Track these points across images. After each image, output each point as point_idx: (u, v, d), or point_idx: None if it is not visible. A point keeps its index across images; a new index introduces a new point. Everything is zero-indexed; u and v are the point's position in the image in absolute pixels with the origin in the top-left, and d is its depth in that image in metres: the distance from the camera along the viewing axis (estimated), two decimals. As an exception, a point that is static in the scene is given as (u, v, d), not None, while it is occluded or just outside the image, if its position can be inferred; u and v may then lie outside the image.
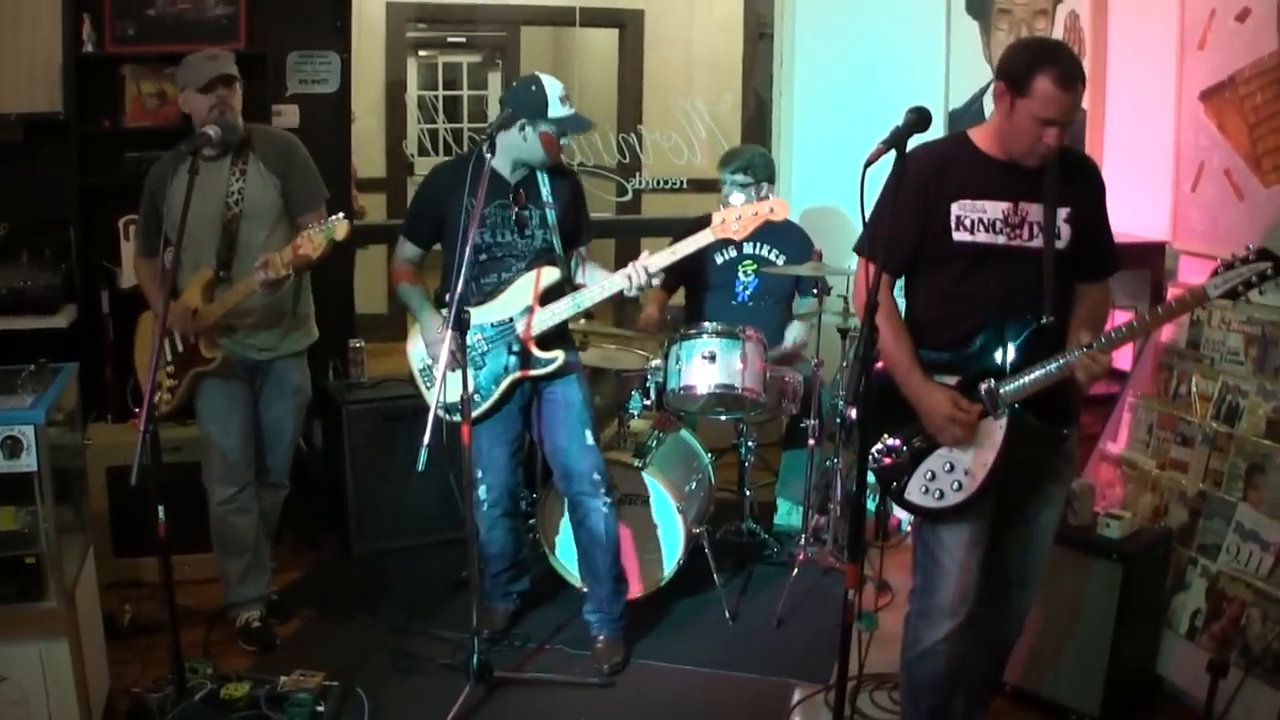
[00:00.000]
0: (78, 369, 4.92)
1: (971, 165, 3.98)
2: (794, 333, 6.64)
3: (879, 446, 4.01)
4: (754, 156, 6.68)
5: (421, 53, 11.92)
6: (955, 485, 3.97)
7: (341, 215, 5.03)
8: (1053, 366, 3.84)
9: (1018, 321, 3.93)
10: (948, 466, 3.98)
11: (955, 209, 3.94)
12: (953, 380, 3.98)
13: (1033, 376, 3.87)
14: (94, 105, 6.56)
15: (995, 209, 3.93)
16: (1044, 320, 3.91)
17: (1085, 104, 5.87)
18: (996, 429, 3.93)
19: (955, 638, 4.04)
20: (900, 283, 4.19)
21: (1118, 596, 4.68)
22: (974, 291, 3.98)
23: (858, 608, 3.54)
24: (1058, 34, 6.17)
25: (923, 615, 4.12)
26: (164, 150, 5.45)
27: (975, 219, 3.93)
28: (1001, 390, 3.91)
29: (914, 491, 4.04)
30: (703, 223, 5.17)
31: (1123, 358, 5.35)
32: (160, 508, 4.38)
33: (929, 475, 4.01)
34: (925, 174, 3.88)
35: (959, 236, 3.95)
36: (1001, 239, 3.93)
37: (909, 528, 5.96)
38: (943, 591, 4.04)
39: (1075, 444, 4.30)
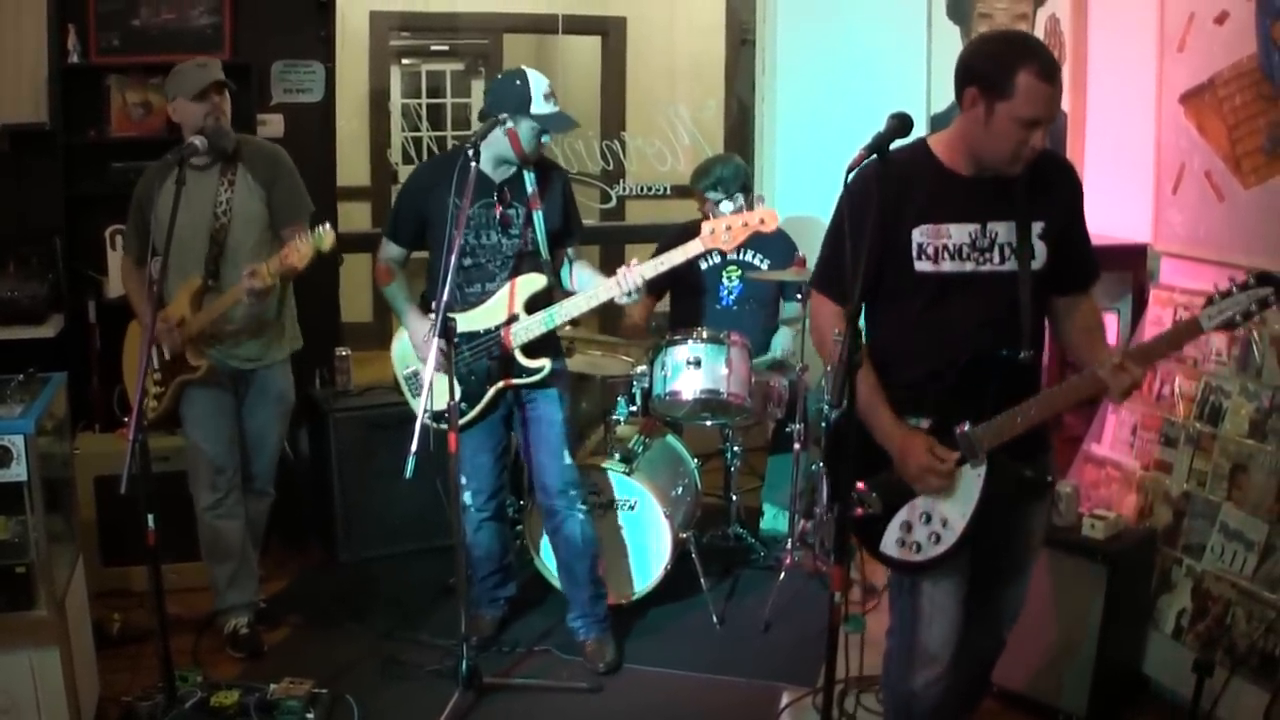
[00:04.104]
0: (66, 379, 4.93)
1: (933, 184, 3.67)
2: (782, 341, 6.65)
3: (839, 505, 3.51)
4: (723, 171, 6.67)
5: (405, 61, 11.93)
6: (933, 538, 3.72)
7: (328, 225, 5.05)
8: (1049, 399, 3.63)
9: (994, 357, 3.65)
10: (924, 517, 3.73)
11: (916, 235, 3.65)
12: (925, 422, 3.71)
13: (1014, 419, 3.61)
14: (80, 116, 6.57)
15: (961, 233, 3.64)
16: (1021, 355, 3.66)
17: (1066, 107, 5.92)
18: (975, 477, 3.68)
19: (940, 679, 3.86)
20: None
21: (1104, 597, 4.70)
22: (942, 323, 3.70)
23: (844, 611, 3.49)
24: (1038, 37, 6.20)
25: (903, 659, 3.93)
26: (149, 160, 5.46)
27: (939, 246, 3.65)
28: (979, 434, 3.65)
29: (890, 544, 3.79)
30: (691, 230, 5.17)
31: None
32: (150, 516, 4.39)
33: (905, 527, 3.76)
34: (882, 196, 3.44)
35: (921, 266, 3.66)
36: (969, 265, 3.66)
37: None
38: (923, 638, 3.84)
39: (1051, 498, 4.14)
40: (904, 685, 3.93)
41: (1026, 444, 3.69)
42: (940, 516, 3.71)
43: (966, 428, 3.65)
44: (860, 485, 3.67)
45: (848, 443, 3.55)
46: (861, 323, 3.56)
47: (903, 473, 3.70)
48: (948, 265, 3.66)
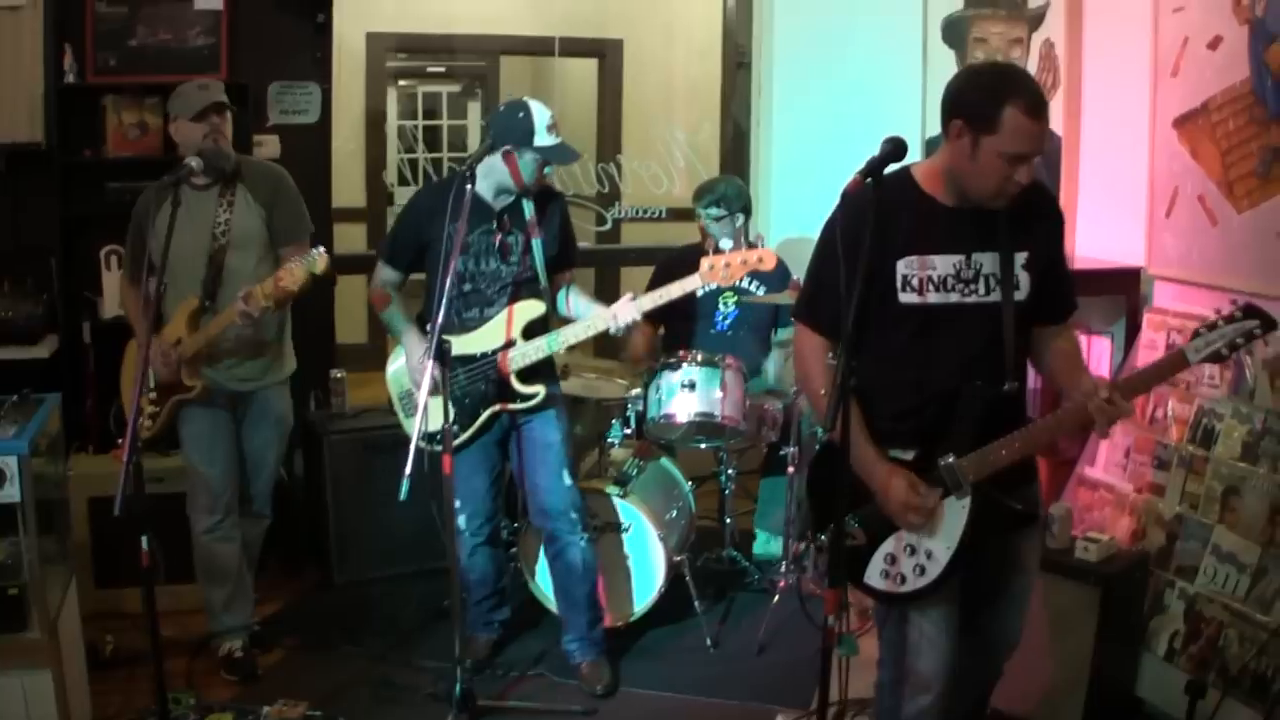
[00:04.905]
0: (60, 399, 4.93)
1: (917, 215, 3.66)
2: (774, 366, 6.65)
3: (833, 527, 3.56)
4: (727, 189, 6.68)
5: (401, 82, 11.93)
6: (918, 569, 3.72)
7: (322, 249, 5.05)
8: (1035, 433, 3.65)
9: (979, 388, 3.64)
10: (908, 549, 3.74)
11: (901, 267, 3.64)
12: (909, 454, 3.72)
13: (999, 450, 3.63)
14: (76, 135, 6.56)
15: (945, 264, 3.64)
16: (1006, 386, 3.65)
17: (1061, 131, 5.94)
18: (960, 509, 3.68)
19: (933, 709, 3.84)
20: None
21: (1097, 619, 4.71)
22: (927, 355, 3.69)
23: (838, 633, 3.52)
24: (1033, 63, 6.22)
25: (894, 689, 3.94)
26: (146, 180, 5.47)
27: (924, 278, 3.63)
28: (964, 465, 3.65)
29: (874, 575, 3.80)
30: (690, 254, 5.17)
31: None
32: (144, 537, 4.39)
33: (889, 559, 3.77)
34: (867, 228, 3.42)
35: (906, 298, 3.65)
36: (954, 297, 3.65)
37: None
38: (915, 666, 3.84)
39: (1041, 528, 4.15)
40: (896, 715, 3.93)
41: (1012, 476, 3.70)
42: (925, 549, 3.72)
43: (951, 460, 3.65)
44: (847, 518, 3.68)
45: (835, 470, 3.58)
46: None
47: (884, 508, 3.70)
48: (933, 297, 3.66)
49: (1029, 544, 4.00)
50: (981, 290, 3.65)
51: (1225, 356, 3.48)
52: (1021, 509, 3.80)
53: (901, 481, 3.67)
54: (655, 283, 5.44)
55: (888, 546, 3.77)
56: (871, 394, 3.70)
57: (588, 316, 5.24)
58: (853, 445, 3.58)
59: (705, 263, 5.07)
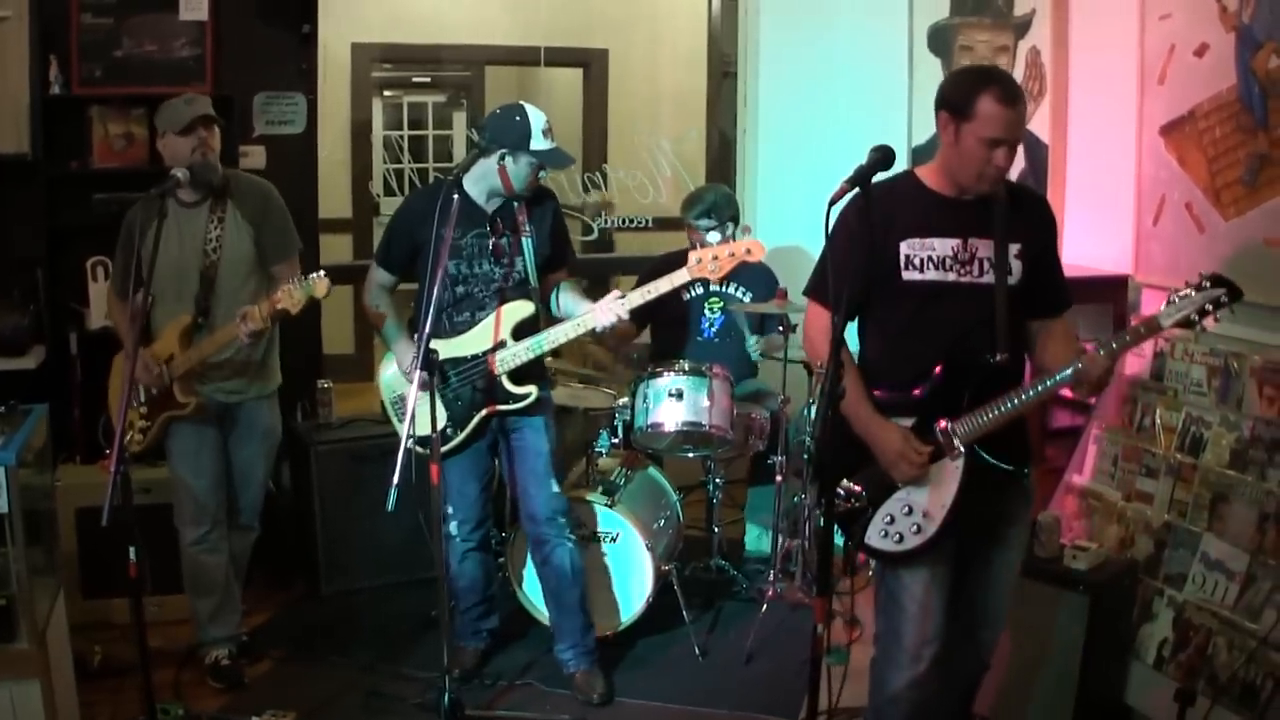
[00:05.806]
0: (48, 410, 4.91)
1: (919, 203, 3.99)
2: (756, 345, 6.63)
3: (837, 491, 3.95)
4: (716, 198, 6.68)
5: (387, 93, 11.90)
6: (914, 528, 3.96)
7: (322, 273, 5.04)
8: (1025, 396, 3.85)
9: (972, 360, 3.93)
10: (906, 509, 3.98)
11: (904, 248, 3.95)
12: (908, 421, 3.97)
13: (989, 414, 3.87)
14: (62, 147, 6.53)
15: (944, 246, 3.95)
16: (997, 357, 3.91)
17: (1047, 139, 5.95)
18: (954, 470, 3.93)
19: (921, 682, 4.02)
20: (852, 323, 4.13)
21: (1086, 627, 4.71)
22: (926, 330, 3.99)
23: (827, 642, 3.54)
24: (1019, 70, 6.23)
25: (888, 659, 4.11)
26: (132, 191, 5.45)
27: (924, 257, 3.95)
28: (957, 429, 3.91)
29: (874, 536, 4.02)
30: (678, 260, 5.15)
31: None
32: (131, 548, 4.37)
33: (888, 519, 4.00)
34: (873, 214, 3.76)
35: (908, 275, 3.96)
36: (951, 276, 3.95)
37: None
38: (906, 635, 4.03)
39: (1033, 484, 4.29)
40: (884, 690, 4.11)
41: (1004, 437, 3.95)
42: (921, 508, 3.98)
43: (946, 424, 3.90)
44: (849, 482, 3.96)
45: (838, 438, 3.78)
46: (850, 333, 3.90)
47: (880, 461, 3.96)
48: (932, 274, 3.97)
49: (1020, 506, 4.23)
50: (976, 271, 3.96)
51: (1195, 322, 3.73)
52: (1012, 468, 4.03)
53: (895, 434, 3.95)
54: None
55: (887, 508, 4.01)
56: (875, 366, 4.10)
57: (576, 315, 5.24)
58: (853, 407, 3.94)
59: (693, 256, 5.05)
